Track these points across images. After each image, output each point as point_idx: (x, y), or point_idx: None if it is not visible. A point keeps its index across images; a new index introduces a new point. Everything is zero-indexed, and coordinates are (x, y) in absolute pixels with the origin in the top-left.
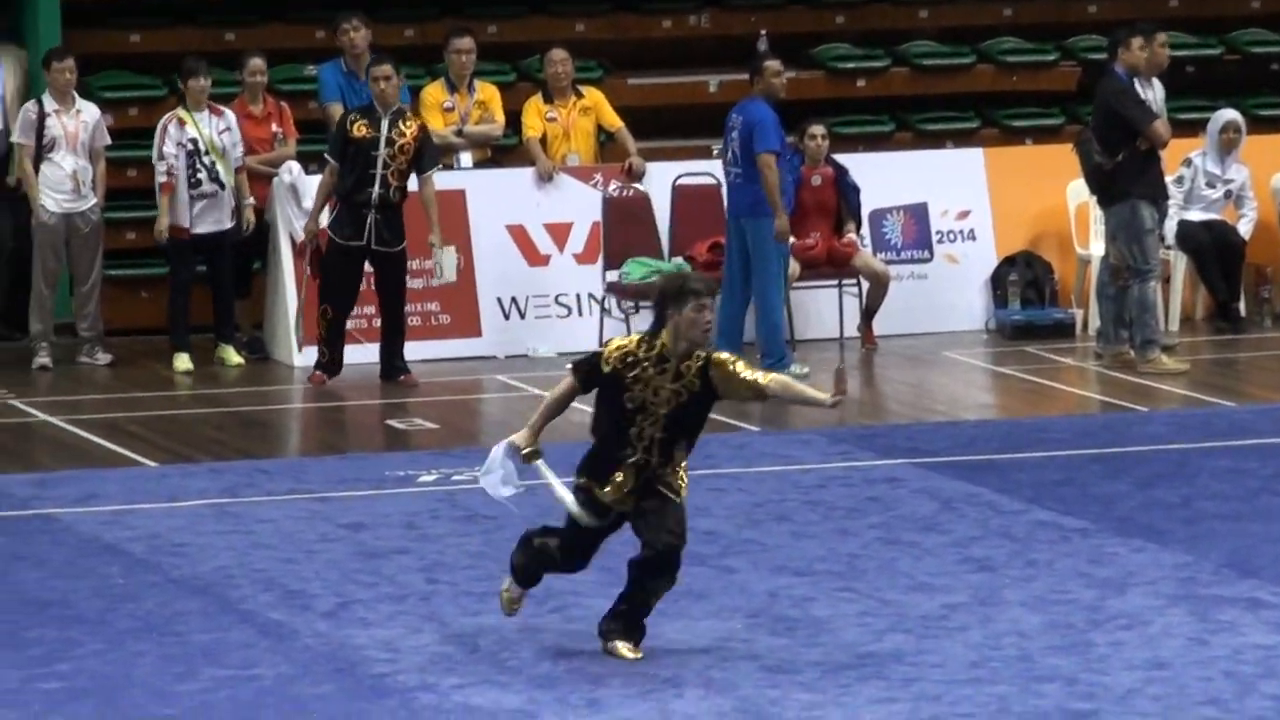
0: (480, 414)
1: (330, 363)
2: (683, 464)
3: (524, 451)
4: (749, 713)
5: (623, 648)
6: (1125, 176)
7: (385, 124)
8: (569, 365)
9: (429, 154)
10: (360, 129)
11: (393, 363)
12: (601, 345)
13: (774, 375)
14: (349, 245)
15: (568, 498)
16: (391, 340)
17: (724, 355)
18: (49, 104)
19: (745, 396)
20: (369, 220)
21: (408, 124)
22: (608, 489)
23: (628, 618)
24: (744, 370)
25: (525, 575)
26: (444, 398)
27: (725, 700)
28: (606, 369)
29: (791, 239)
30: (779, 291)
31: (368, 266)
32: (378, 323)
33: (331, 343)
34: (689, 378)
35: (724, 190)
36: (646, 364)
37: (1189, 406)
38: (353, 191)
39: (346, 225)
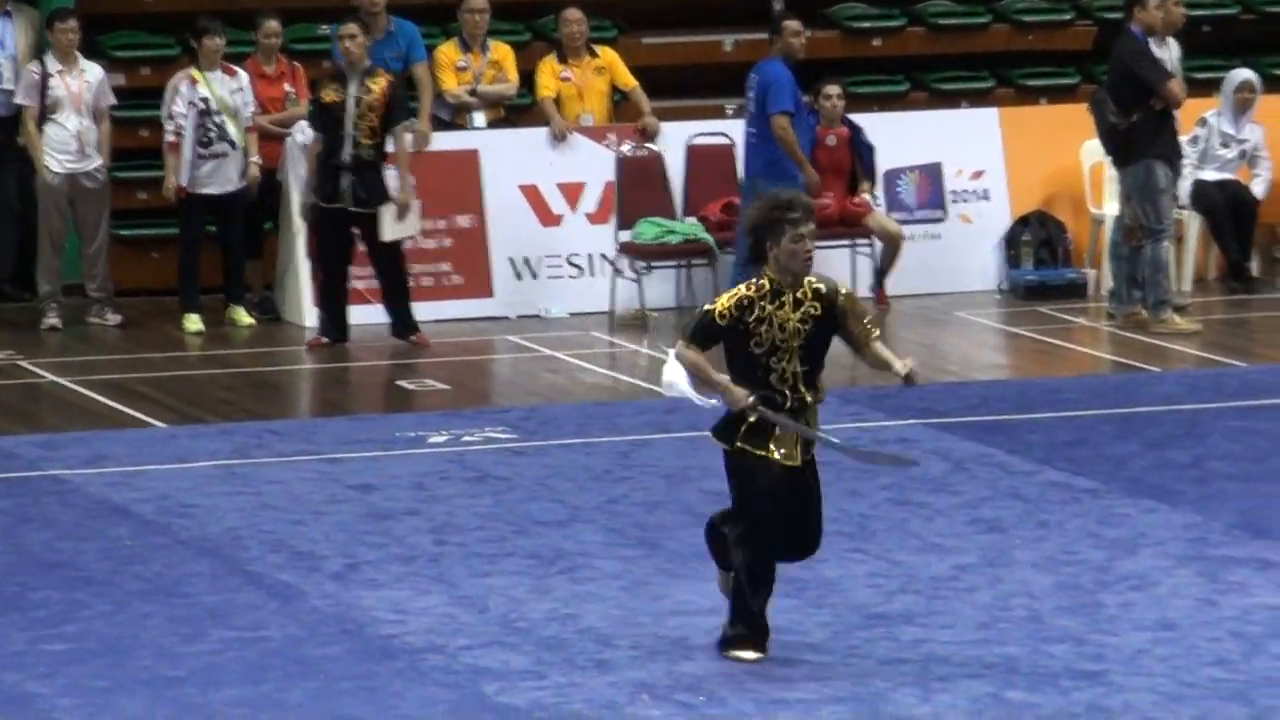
0: (491, 374)
1: (330, 326)
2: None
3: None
4: (757, 674)
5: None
6: (1140, 136)
7: (354, 84)
8: (681, 340)
9: (398, 109)
10: (329, 94)
11: (401, 321)
12: (613, 309)
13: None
14: (329, 208)
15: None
16: (393, 300)
17: (850, 291)
18: (52, 64)
19: (854, 338)
20: (344, 182)
21: (375, 81)
22: (778, 451)
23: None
24: (868, 318)
25: (725, 561)
26: (455, 358)
27: (733, 662)
28: (723, 322)
29: None
30: None
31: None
32: None
33: (326, 306)
34: (808, 303)
35: (739, 150)
36: (763, 302)
37: (1201, 367)
38: (328, 155)
39: (325, 187)
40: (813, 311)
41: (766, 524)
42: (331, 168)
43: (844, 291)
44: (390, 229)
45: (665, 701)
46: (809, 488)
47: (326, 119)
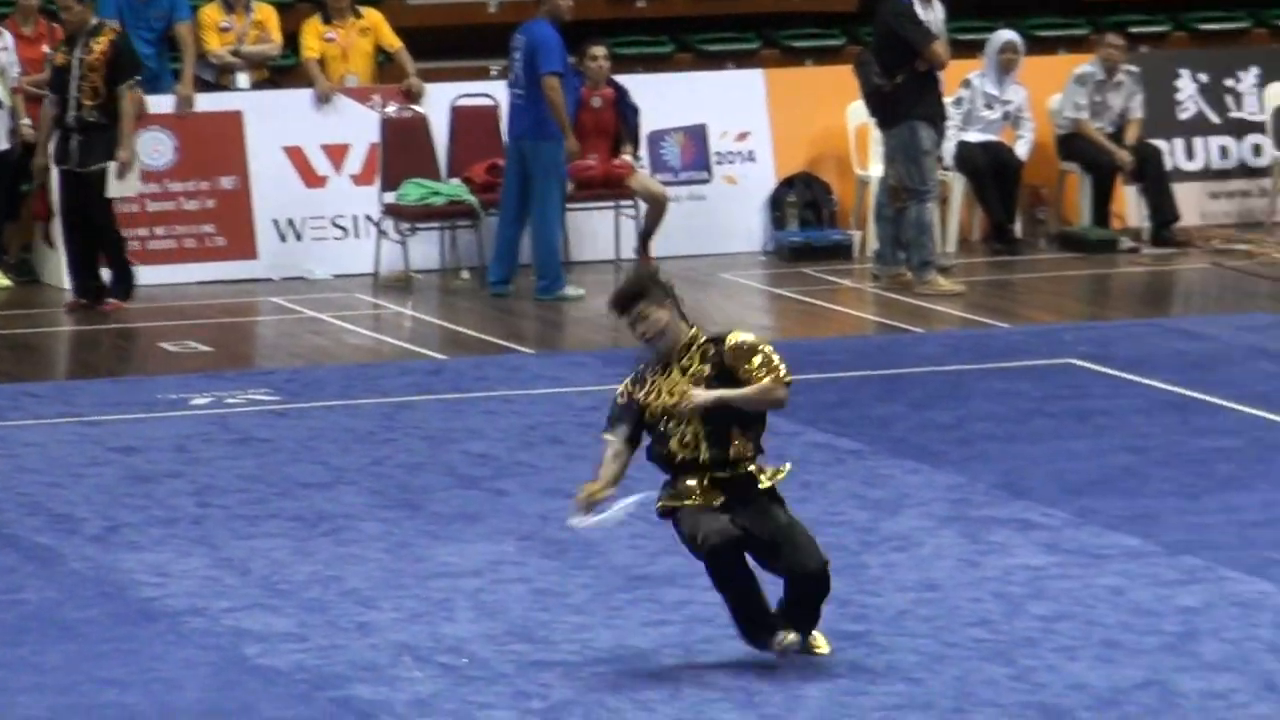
0: (255, 336)
1: (79, 287)
2: (750, 453)
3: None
4: (520, 635)
5: (819, 639)
6: (904, 98)
7: (78, 46)
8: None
9: (122, 69)
10: (59, 56)
11: (88, 284)
12: (377, 271)
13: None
14: (62, 169)
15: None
16: (88, 261)
17: (739, 339)
18: None
19: (744, 384)
20: (72, 143)
21: (97, 41)
22: (690, 499)
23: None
24: (758, 359)
25: (748, 630)
26: (218, 320)
27: (496, 623)
28: (622, 400)
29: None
30: (557, 214)
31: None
32: (151, 245)
33: (74, 268)
34: (696, 366)
35: (504, 111)
36: (651, 375)
37: (964, 328)
38: (58, 117)
39: (58, 149)
40: (703, 373)
41: (711, 567)
42: (61, 129)
43: (730, 343)
44: (113, 187)
45: (427, 663)
46: (763, 513)
47: (57, 81)
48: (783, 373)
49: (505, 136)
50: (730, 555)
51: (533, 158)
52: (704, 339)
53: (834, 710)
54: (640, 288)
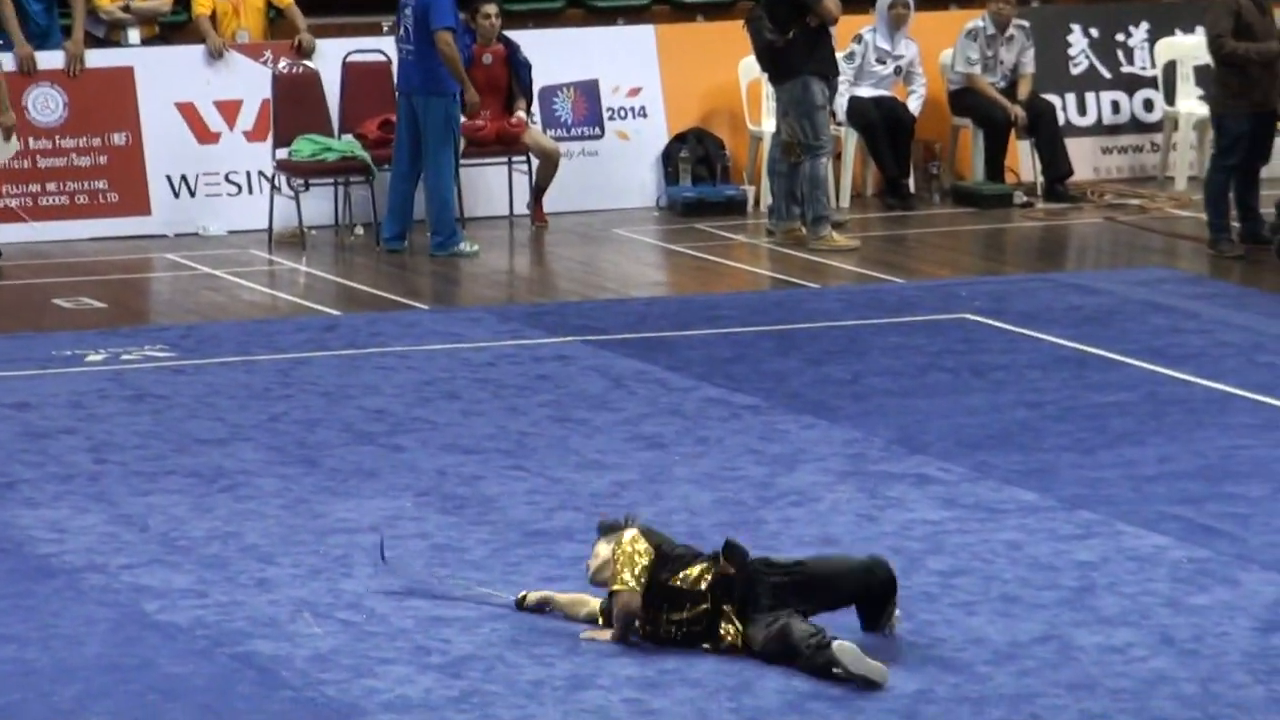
0: (150, 293)
1: None
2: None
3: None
4: (418, 592)
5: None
6: (796, 53)
7: None
8: None
9: None
10: None
11: None
12: (271, 227)
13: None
14: None
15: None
16: None
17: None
18: None
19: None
20: None
21: None
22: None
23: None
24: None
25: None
26: (112, 276)
27: (394, 579)
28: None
29: (462, 118)
30: (451, 170)
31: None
32: (44, 201)
33: None
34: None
35: (395, 67)
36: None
37: (859, 283)
38: None
39: None
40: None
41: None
42: None
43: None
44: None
45: (326, 619)
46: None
47: None
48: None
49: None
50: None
51: (424, 113)
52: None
53: (727, 667)
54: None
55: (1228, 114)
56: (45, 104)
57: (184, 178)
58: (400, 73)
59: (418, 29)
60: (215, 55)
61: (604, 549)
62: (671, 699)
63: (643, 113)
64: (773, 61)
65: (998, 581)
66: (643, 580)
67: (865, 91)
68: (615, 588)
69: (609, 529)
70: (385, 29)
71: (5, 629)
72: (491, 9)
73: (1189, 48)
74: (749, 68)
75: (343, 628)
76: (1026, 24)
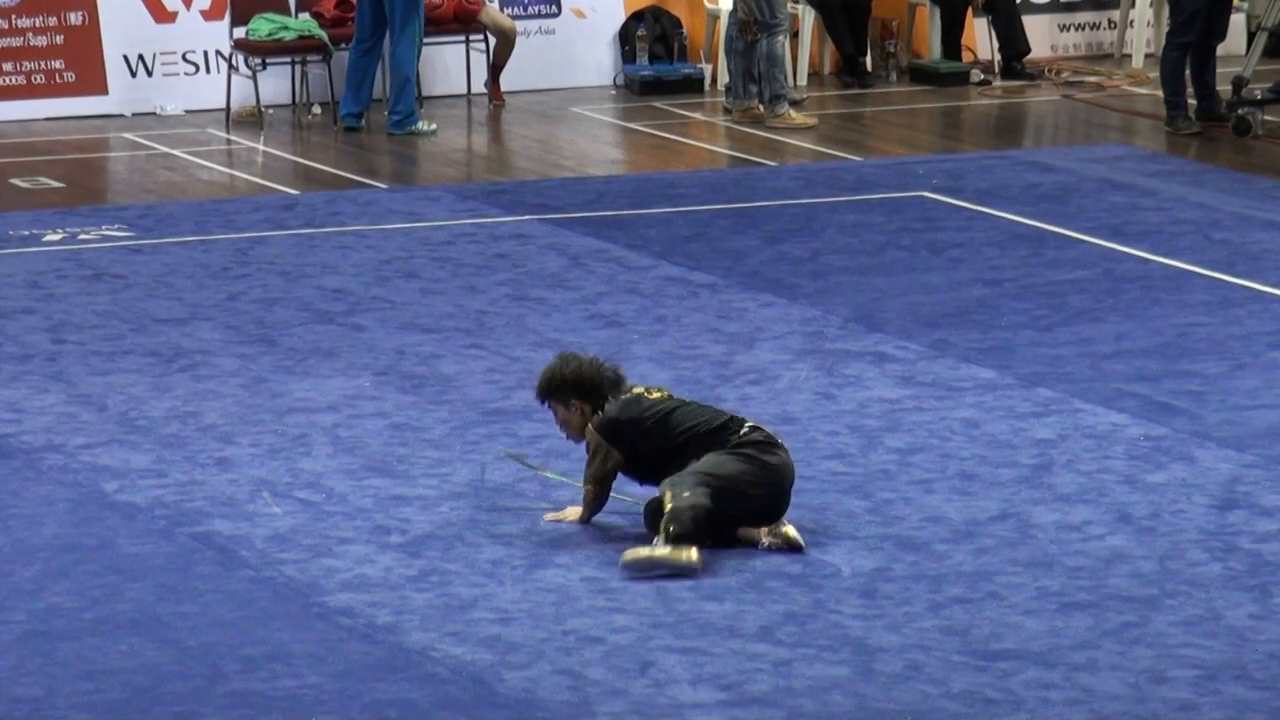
0: (107, 172)
1: None
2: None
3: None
4: (376, 469)
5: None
6: None
7: None
8: None
9: None
10: None
11: None
12: (229, 106)
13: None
14: None
15: None
16: None
17: (592, 434)
18: None
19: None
20: None
21: None
22: None
23: None
24: (589, 457)
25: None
26: (70, 156)
27: (353, 458)
28: None
29: None
30: (414, 48)
31: None
32: (0, 81)
33: None
34: None
35: None
36: None
37: (817, 161)
38: None
39: None
40: None
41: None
42: None
43: (589, 432)
44: None
45: (285, 499)
46: None
47: None
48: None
49: None
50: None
51: None
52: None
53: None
54: (546, 388)
55: None
56: None
57: (141, 57)
58: None
59: None
60: None
61: (568, 415)
62: (638, 576)
63: None
64: None
65: (955, 459)
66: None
67: None
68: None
69: (557, 387)
70: None
71: None
72: None
73: None
74: None
75: (302, 507)
76: None
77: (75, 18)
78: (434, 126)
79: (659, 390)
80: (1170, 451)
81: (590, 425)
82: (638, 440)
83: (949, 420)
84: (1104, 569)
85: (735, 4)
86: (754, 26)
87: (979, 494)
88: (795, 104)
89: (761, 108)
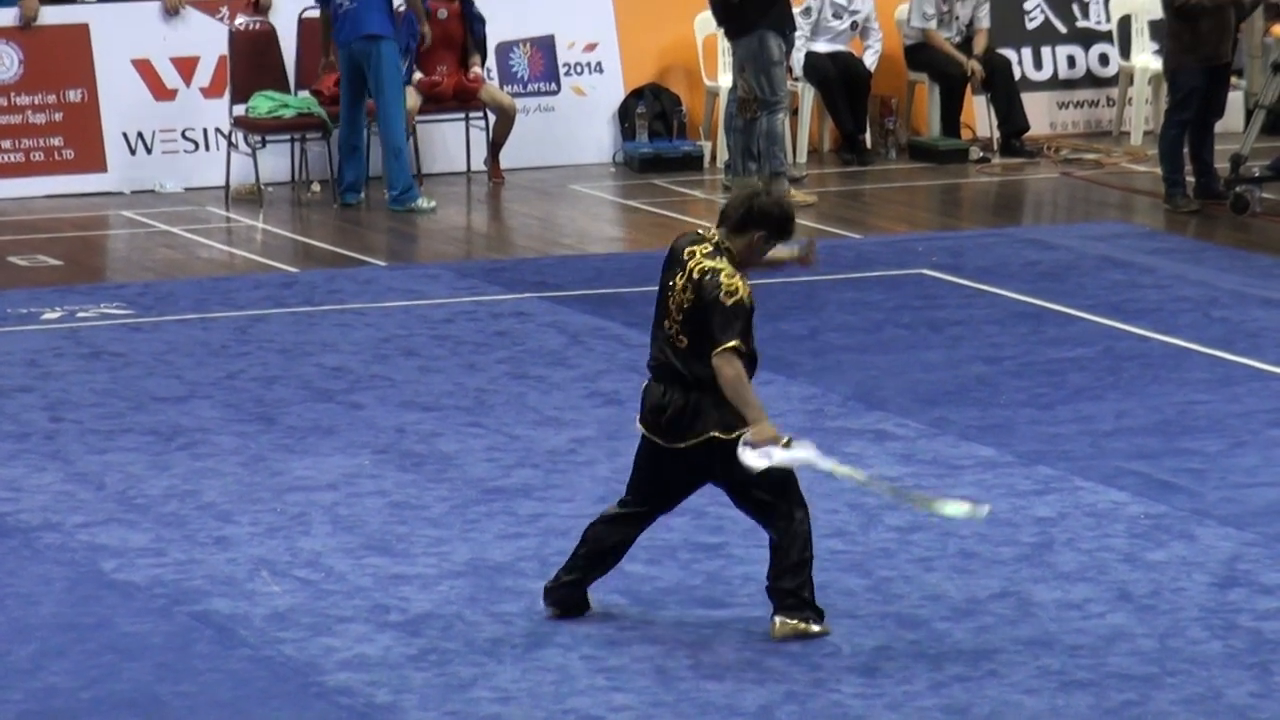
0: (106, 250)
1: None
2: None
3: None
4: (376, 548)
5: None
6: (752, 8)
7: None
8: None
9: None
10: None
11: None
12: (228, 184)
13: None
14: None
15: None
16: None
17: (724, 286)
18: None
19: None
20: None
21: None
22: None
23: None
24: (719, 317)
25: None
26: (69, 234)
27: (352, 537)
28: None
29: (418, 74)
30: (401, 119)
31: None
32: (0, 158)
33: None
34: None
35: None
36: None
37: (817, 238)
38: None
39: None
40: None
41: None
42: None
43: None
44: None
45: (284, 577)
46: None
47: None
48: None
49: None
50: None
51: (372, 63)
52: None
53: (691, 620)
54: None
55: (1181, 68)
56: (1, 60)
57: (140, 134)
58: (341, 25)
59: None
60: (171, 11)
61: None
62: (630, 656)
63: (599, 68)
64: (729, 16)
65: (955, 537)
66: None
67: (822, 47)
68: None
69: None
70: None
71: None
72: None
73: (1144, 2)
74: (705, 23)
75: (301, 586)
76: None
77: (75, 95)
78: (433, 204)
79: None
80: (1170, 529)
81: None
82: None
83: (949, 498)
84: (1105, 647)
85: (735, 81)
86: (754, 104)
87: (979, 572)
88: (795, 181)
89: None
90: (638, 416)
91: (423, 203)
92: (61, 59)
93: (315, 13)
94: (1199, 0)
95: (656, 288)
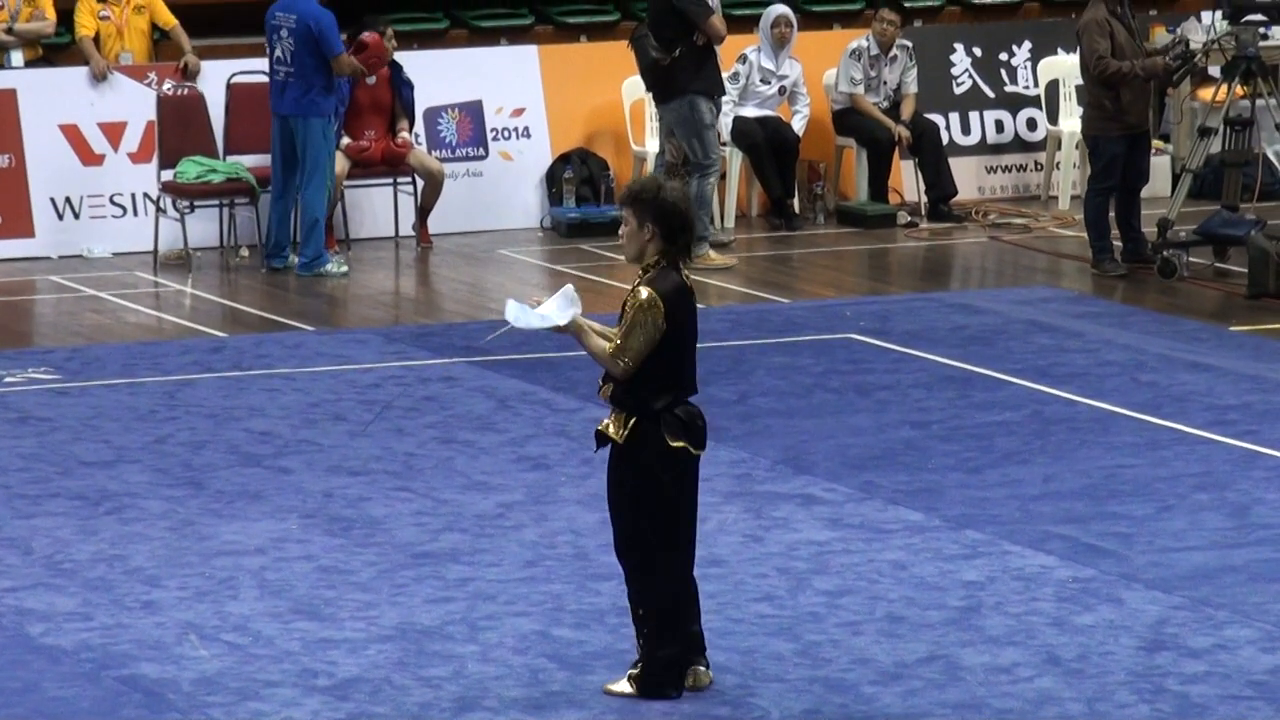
0: (33, 315)
1: None
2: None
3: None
4: (304, 612)
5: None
6: (682, 72)
7: None
8: None
9: None
10: None
11: None
12: (156, 249)
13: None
14: None
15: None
16: None
17: (640, 294)
18: None
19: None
20: None
21: None
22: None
23: None
24: (627, 323)
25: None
26: None
27: (281, 601)
28: None
29: (346, 139)
30: (323, 191)
31: None
32: None
33: None
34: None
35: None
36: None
37: (745, 303)
38: None
39: None
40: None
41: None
42: None
43: (636, 291)
44: None
45: (213, 642)
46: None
47: None
48: (622, 348)
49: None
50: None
51: (302, 134)
52: (651, 274)
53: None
54: (636, 193)
55: (1102, 136)
56: None
57: (68, 199)
58: (275, 94)
59: (299, 53)
60: (99, 77)
61: (634, 226)
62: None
63: (526, 133)
64: (658, 80)
65: (883, 601)
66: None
67: (750, 111)
68: (622, 360)
69: (646, 200)
70: None
71: None
72: (389, 32)
73: (1071, 67)
74: (632, 88)
75: (229, 650)
76: (909, 44)
77: (2, 160)
78: (345, 268)
79: None
80: (1098, 593)
81: (650, 288)
82: (679, 330)
83: (877, 562)
84: (1033, 711)
85: (662, 146)
86: (682, 168)
87: (907, 636)
88: (722, 246)
89: None
90: (697, 447)
91: (332, 267)
92: None
93: (244, 79)
94: (1131, 68)
95: (583, 354)
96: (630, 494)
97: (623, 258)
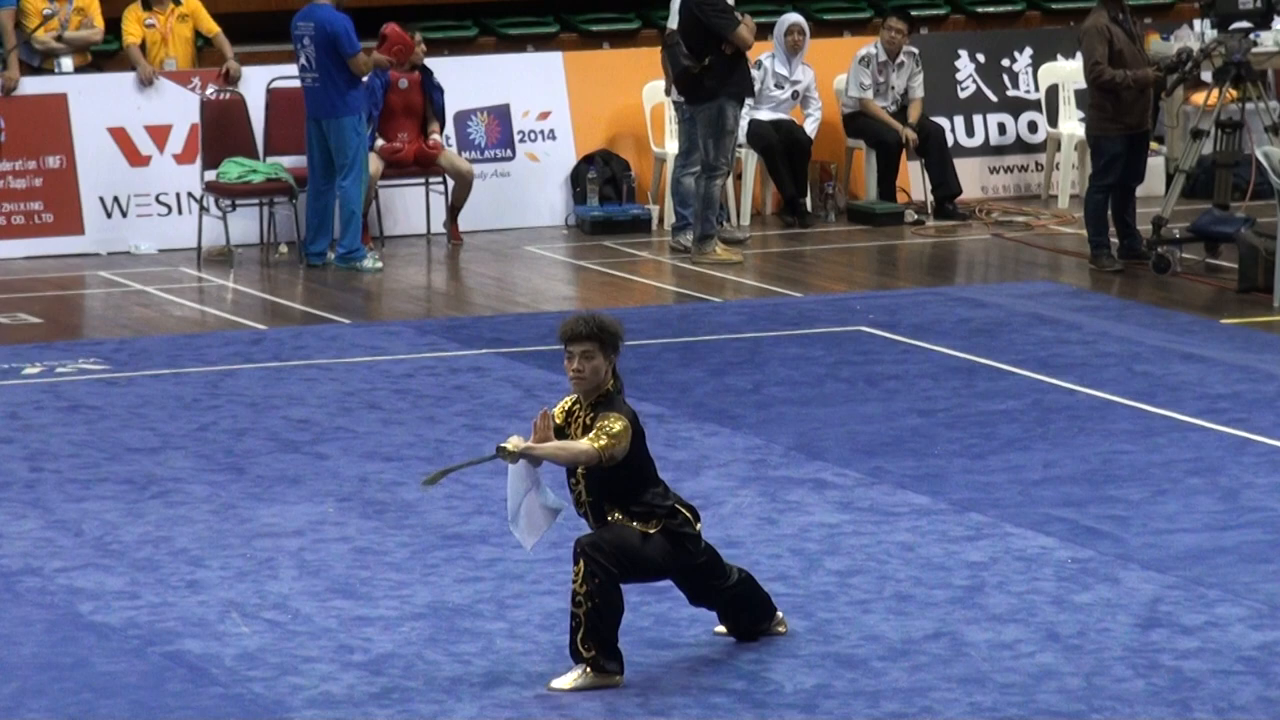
0: (83, 309)
1: None
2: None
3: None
4: (341, 591)
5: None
6: (713, 77)
7: None
8: None
9: None
10: None
11: None
12: (200, 245)
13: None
14: None
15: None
16: None
17: (605, 416)
18: None
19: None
20: None
21: None
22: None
23: None
24: (603, 424)
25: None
26: (47, 293)
27: (319, 581)
28: (559, 421)
29: (380, 141)
30: (359, 185)
31: None
32: None
33: None
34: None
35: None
36: (576, 412)
37: (760, 297)
38: None
39: None
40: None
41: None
42: None
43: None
44: None
45: (253, 619)
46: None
47: None
48: (604, 442)
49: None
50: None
51: (335, 136)
52: (614, 400)
53: (639, 660)
54: (595, 332)
55: (1103, 136)
56: None
57: (116, 199)
58: (308, 99)
59: (321, 56)
60: (145, 83)
61: (601, 363)
62: (582, 694)
63: (552, 135)
64: (689, 86)
65: (892, 581)
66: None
67: (764, 114)
68: (601, 445)
69: (609, 337)
70: None
71: None
72: (417, 38)
73: (1070, 72)
74: (653, 92)
75: (269, 627)
76: (916, 50)
77: (54, 161)
78: (379, 264)
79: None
80: (1096, 573)
81: (618, 411)
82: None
83: (886, 544)
84: (1034, 685)
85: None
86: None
87: (914, 614)
88: (738, 243)
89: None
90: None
91: (368, 262)
92: (41, 127)
93: (282, 84)
94: (1123, 78)
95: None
96: (655, 539)
97: (644, 254)
